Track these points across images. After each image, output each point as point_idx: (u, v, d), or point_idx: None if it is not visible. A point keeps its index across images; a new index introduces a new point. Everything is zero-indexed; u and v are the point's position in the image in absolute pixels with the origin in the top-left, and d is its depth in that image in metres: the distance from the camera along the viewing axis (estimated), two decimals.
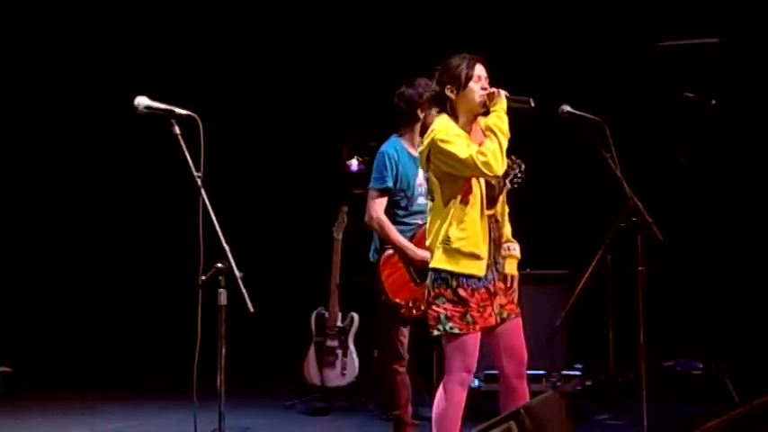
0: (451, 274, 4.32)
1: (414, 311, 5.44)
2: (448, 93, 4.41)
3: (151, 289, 8.84)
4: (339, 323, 7.02)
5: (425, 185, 5.55)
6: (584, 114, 4.49)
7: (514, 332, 4.47)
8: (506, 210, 4.53)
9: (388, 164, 5.46)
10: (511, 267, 4.51)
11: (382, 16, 8.44)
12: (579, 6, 7.93)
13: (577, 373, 6.32)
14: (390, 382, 5.57)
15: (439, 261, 4.36)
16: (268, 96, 8.85)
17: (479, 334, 4.37)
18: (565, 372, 6.29)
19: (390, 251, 5.46)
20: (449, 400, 4.39)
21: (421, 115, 5.48)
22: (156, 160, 7.96)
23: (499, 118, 4.33)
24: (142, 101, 4.03)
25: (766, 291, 7.45)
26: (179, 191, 5.05)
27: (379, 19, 8.45)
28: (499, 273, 4.43)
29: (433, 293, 4.38)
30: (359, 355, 6.97)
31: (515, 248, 4.54)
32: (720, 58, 6.65)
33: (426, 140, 4.39)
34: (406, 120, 5.54)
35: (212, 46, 8.83)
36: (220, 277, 3.87)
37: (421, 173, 5.56)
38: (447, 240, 4.32)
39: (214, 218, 3.91)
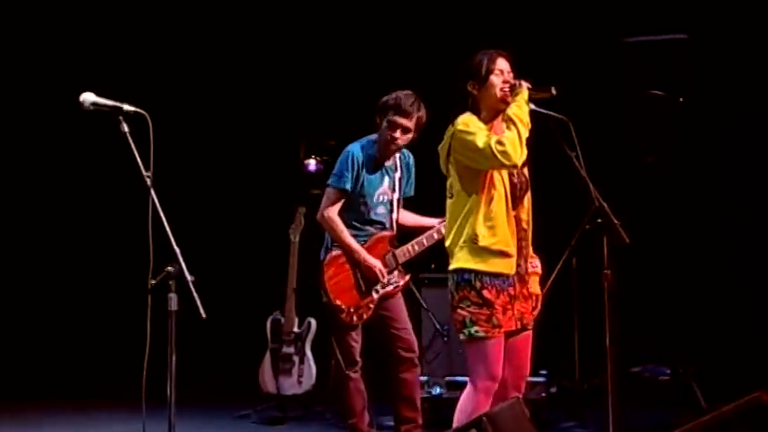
0: (476, 273, 4.17)
1: (354, 318, 5.29)
2: (470, 89, 4.31)
3: (98, 293, 8.66)
4: (296, 329, 6.87)
5: (389, 194, 5.40)
6: (549, 112, 4.38)
7: (524, 344, 4.38)
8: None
9: (350, 164, 5.29)
10: (534, 286, 4.37)
11: (340, 15, 8.33)
12: (544, 1, 7.87)
13: (542, 379, 6.23)
14: (343, 389, 5.41)
15: (462, 261, 4.20)
16: (222, 93, 8.73)
17: (503, 338, 4.24)
18: (529, 378, 6.16)
19: (338, 251, 5.29)
20: (472, 406, 4.21)
21: (379, 122, 5.30)
22: (103, 159, 7.83)
23: (519, 107, 4.22)
24: (88, 97, 3.91)
25: (734, 295, 7.45)
26: (127, 191, 4.96)
27: (336, 17, 8.35)
28: (519, 275, 4.28)
29: (457, 297, 4.22)
30: (316, 363, 6.81)
31: (538, 265, 4.42)
32: (689, 55, 6.64)
33: (446, 135, 4.27)
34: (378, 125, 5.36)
35: (163, 41, 8.68)
36: (171, 281, 3.75)
37: (386, 181, 5.38)
38: (474, 238, 4.17)
39: (164, 219, 3.79)
